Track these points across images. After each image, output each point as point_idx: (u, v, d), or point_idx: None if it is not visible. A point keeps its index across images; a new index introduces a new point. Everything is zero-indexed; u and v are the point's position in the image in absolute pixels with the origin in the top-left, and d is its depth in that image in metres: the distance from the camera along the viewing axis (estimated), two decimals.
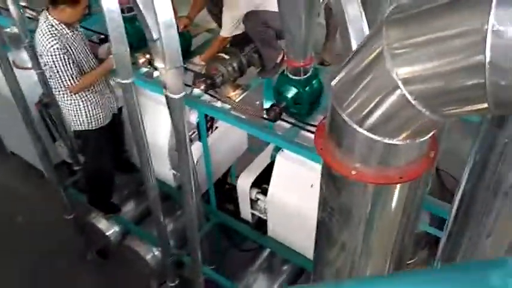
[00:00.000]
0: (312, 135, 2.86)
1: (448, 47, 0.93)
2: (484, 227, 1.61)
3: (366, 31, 1.64)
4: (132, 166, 4.06)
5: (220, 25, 3.30)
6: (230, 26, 3.09)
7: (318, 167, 2.88)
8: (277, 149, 3.22)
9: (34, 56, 3.74)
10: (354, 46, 1.60)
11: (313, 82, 2.84)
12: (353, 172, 1.23)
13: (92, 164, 3.58)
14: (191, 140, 3.24)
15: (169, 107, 2.73)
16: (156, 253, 3.94)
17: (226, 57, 3.04)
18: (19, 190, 5.26)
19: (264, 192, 3.34)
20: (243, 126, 2.93)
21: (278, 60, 3.22)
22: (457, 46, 0.91)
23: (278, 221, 3.35)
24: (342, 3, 1.65)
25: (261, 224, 3.62)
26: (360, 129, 1.16)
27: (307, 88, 2.80)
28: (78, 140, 3.64)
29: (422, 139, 1.17)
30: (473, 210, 1.49)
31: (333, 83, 1.21)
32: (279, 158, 3.14)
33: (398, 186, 1.26)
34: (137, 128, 2.78)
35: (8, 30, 4.35)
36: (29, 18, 3.75)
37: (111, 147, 3.63)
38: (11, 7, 3.43)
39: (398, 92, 1.03)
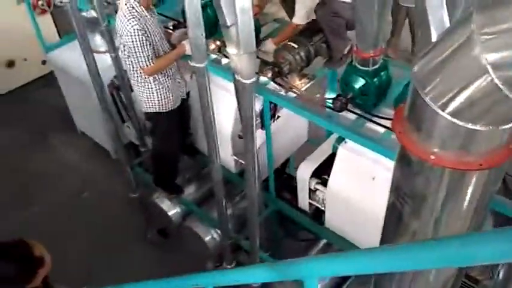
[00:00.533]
0: (378, 127, 2.88)
1: None
2: None
3: (447, 21, 1.62)
4: (195, 150, 4.20)
5: (290, 15, 3.34)
6: (303, 13, 3.13)
7: (381, 160, 2.93)
8: (339, 141, 3.22)
9: (110, 40, 3.95)
10: (434, 36, 1.59)
11: (382, 74, 2.83)
12: (432, 157, 1.24)
13: (160, 146, 3.73)
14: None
15: (237, 92, 2.81)
16: (215, 235, 4.05)
17: (295, 45, 3.07)
18: (87, 168, 5.55)
19: (323, 183, 3.36)
20: (308, 115, 2.96)
21: (345, 52, 3.22)
22: None
23: (336, 212, 3.37)
24: None
25: (317, 215, 3.66)
26: (443, 113, 1.17)
27: (375, 79, 2.80)
28: (148, 121, 3.80)
29: (504, 127, 1.17)
30: None
31: (416, 67, 1.22)
32: (341, 149, 3.15)
33: (475, 174, 1.26)
34: (207, 112, 2.87)
35: (84, 14, 4.58)
36: (107, 2, 3.94)
37: (179, 130, 3.77)
38: None
39: (486, 76, 1.04)
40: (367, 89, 2.79)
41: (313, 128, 4.14)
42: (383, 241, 1.69)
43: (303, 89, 3.11)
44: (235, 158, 3.85)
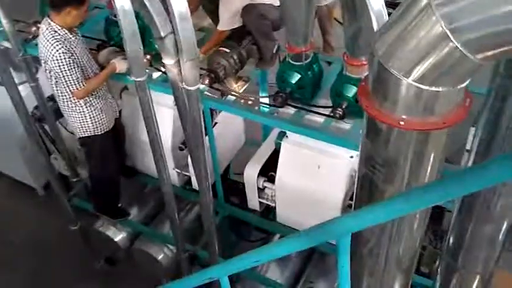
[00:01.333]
0: (317, 117, 3.03)
1: None
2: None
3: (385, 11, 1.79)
4: (133, 170, 4.12)
5: (215, 22, 3.41)
6: (227, 19, 3.21)
7: (323, 148, 3.08)
8: (280, 137, 3.33)
9: (28, 69, 3.77)
10: (375, 24, 1.74)
11: (314, 66, 2.99)
12: (401, 122, 1.36)
13: (99, 170, 3.62)
14: None
15: (179, 102, 2.83)
16: (168, 252, 4.00)
17: (227, 50, 3.15)
18: (12, 209, 5.22)
19: (271, 180, 3.46)
20: (251, 116, 3.05)
21: (274, 51, 3.36)
22: None
23: (286, 205, 3.47)
24: None
25: (268, 212, 3.75)
26: (408, 80, 1.30)
27: (309, 72, 2.95)
28: (82, 147, 3.67)
29: (460, 86, 1.32)
30: None
31: (377, 44, 1.34)
32: (284, 144, 3.26)
33: (438, 133, 1.41)
34: (151, 126, 2.86)
35: None
36: (20, 31, 3.76)
37: (116, 151, 3.68)
38: (3, 21, 3.45)
39: (447, 41, 1.18)
40: (304, 82, 2.94)
41: (249, 130, 4.24)
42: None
43: (241, 91, 3.19)
44: (177, 170, 3.84)
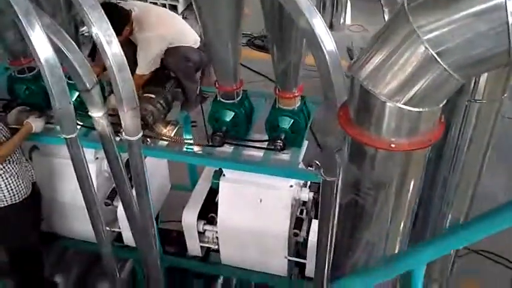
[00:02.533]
0: (255, 152, 3.05)
1: (474, 22, 1.19)
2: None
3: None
4: (53, 235, 3.76)
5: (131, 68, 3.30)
6: (146, 63, 3.13)
7: (263, 181, 3.10)
8: (217, 176, 3.29)
9: None
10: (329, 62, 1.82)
11: (245, 103, 3.02)
12: (392, 145, 1.43)
13: (19, 243, 3.23)
14: None
15: (107, 155, 2.68)
16: None
17: (152, 96, 3.06)
18: None
19: (211, 222, 3.37)
20: (189, 159, 2.97)
21: (197, 92, 3.34)
22: (482, 20, 1.18)
23: (231, 245, 3.40)
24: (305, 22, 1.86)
25: (206, 255, 3.64)
26: (396, 104, 1.37)
27: (242, 109, 2.97)
28: None
29: (442, 104, 1.42)
30: None
31: (361, 73, 1.40)
32: (222, 183, 3.21)
33: (421, 151, 1.50)
34: (85, 185, 2.65)
35: None
36: None
37: (35, 218, 3.34)
38: None
39: (435, 63, 1.27)
40: (238, 120, 2.95)
41: (174, 174, 4.12)
42: (342, 235, 1.81)
43: (172, 134, 3.10)
44: (107, 228, 3.58)
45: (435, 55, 1.26)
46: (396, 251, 1.77)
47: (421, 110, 1.38)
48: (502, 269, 3.87)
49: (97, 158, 3.41)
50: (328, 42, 1.87)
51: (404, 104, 1.37)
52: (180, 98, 3.25)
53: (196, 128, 3.67)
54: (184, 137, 3.47)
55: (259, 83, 5.80)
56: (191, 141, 2.96)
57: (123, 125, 2.37)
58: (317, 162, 3.85)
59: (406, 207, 1.62)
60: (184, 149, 3.08)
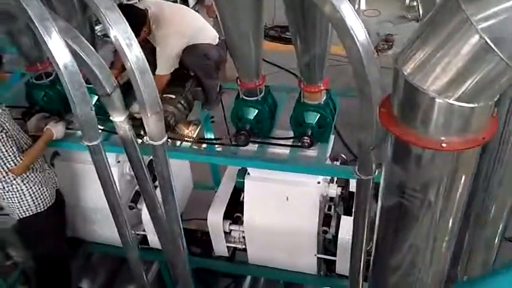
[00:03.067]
0: (280, 150, 2.96)
1: None
2: None
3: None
4: (78, 241, 3.73)
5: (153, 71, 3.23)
6: (166, 63, 3.05)
7: (289, 178, 3.01)
8: (241, 175, 3.21)
9: None
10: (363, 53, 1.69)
11: (269, 99, 2.92)
12: (443, 145, 1.32)
13: (48, 252, 3.19)
14: None
15: (130, 159, 2.61)
16: None
17: (173, 96, 2.98)
18: None
19: (236, 222, 3.30)
20: (216, 160, 2.89)
21: (218, 90, 3.25)
22: None
23: (258, 245, 3.33)
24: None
25: (234, 255, 3.58)
26: (446, 100, 1.26)
27: (265, 106, 2.87)
28: (24, 229, 3.19)
29: (494, 99, 1.31)
30: None
31: (408, 69, 1.29)
32: (247, 182, 3.13)
33: (476, 149, 1.39)
34: (110, 191, 2.59)
35: None
36: None
37: (61, 225, 3.30)
38: None
39: (491, 54, 1.16)
40: (262, 117, 2.85)
41: (196, 173, 4.05)
42: (385, 236, 1.72)
43: (194, 135, 3.02)
44: (133, 232, 3.53)
45: (491, 44, 1.15)
46: (443, 251, 1.67)
47: (474, 105, 1.27)
48: None
49: (119, 162, 3.37)
50: (359, 30, 1.72)
51: (456, 99, 1.26)
52: (200, 97, 3.16)
53: (218, 127, 3.60)
54: (206, 137, 3.39)
55: (274, 74, 5.67)
56: (215, 142, 2.86)
57: (147, 130, 2.29)
58: (343, 156, 3.77)
59: (455, 207, 1.51)
60: (208, 149, 3.00)
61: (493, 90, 1.27)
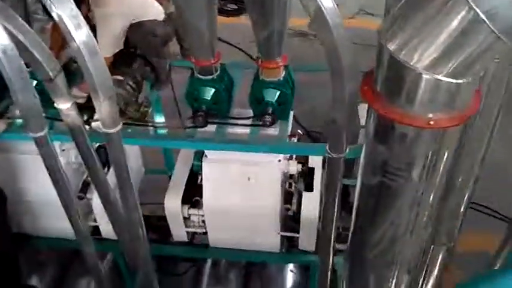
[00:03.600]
0: (239, 130, 2.86)
1: None
2: None
3: None
4: (24, 236, 3.48)
5: None
6: (109, 44, 2.83)
7: (249, 158, 2.93)
8: (198, 158, 3.09)
9: None
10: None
11: (225, 77, 2.79)
12: (431, 122, 1.28)
13: None
14: None
15: (79, 147, 2.42)
16: None
17: (121, 78, 2.78)
18: None
19: (195, 206, 3.20)
20: (170, 144, 2.75)
21: (168, 69, 3.07)
22: None
23: (219, 228, 3.24)
24: None
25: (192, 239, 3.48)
26: (433, 75, 1.21)
27: (222, 84, 2.74)
28: None
29: (480, 75, 1.27)
30: None
31: (393, 46, 1.23)
32: (205, 165, 3.02)
33: (461, 125, 1.36)
34: (60, 183, 2.39)
35: None
36: None
37: (3, 221, 3.05)
38: None
39: (482, 26, 1.10)
40: (219, 96, 2.72)
41: (147, 157, 3.88)
42: (364, 213, 1.68)
43: (146, 118, 2.85)
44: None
45: (482, 16, 1.09)
46: (424, 226, 1.65)
47: (461, 81, 1.23)
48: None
49: (63, 150, 3.14)
50: None
51: (444, 75, 1.21)
52: (149, 76, 2.97)
53: (168, 108, 3.43)
54: (158, 119, 3.23)
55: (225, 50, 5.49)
56: (172, 126, 2.71)
57: (99, 116, 2.10)
58: (300, 132, 3.72)
59: (437, 183, 1.49)
60: (162, 133, 2.84)
61: (480, 66, 1.23)
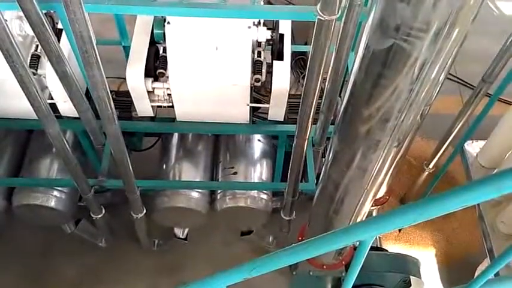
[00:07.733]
0: None
1: None
2: None
3: None
4: None
5: None
6: None
7: (216, 25, 2.70)
8: (159, 26, 2.83)
9: None
10: None
11: None
12: None
13: None
14: None
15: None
16: (58, 194, 3.41)
17: None
18: None
19: (159, 79, 3.00)
20: (131, 10, 2.46)
21: None
22: None
23: (186, 100, 3.10)
24: None
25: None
26: None
27: None
28: None
29: None
30: None
31: None
32: (169, 33, 2.77)
33: None
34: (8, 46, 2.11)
35: None
36: None
37: None
38: None
39: None
40: None
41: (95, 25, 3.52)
42: (363, 82, 1.59)
43: None
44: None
45: None
46: (424, 96, 1.58)
47: None
48: None
49: (6, 21, 2.76)
50: None
51: None
52: None
53: None
54: None
55: None
56: None
57: None
58: None
59: (451, 48, 1.38)
60: None
61: None
